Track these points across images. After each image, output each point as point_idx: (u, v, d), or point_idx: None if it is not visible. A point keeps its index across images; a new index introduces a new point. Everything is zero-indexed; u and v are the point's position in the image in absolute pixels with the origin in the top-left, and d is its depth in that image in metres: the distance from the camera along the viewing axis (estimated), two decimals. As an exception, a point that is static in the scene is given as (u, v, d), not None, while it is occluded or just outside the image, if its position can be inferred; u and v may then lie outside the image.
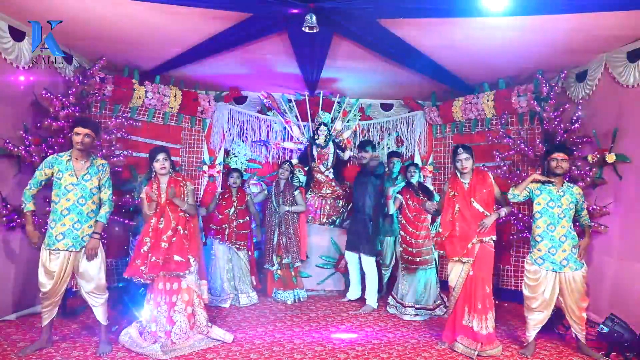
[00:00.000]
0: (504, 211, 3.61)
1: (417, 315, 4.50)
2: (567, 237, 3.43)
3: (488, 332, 3.49)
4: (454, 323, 3.61)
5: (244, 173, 5.76)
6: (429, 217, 4.65)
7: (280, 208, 5.08)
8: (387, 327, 4.23)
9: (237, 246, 4.92)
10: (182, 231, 3.49)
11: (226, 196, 5.01)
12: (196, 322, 3.58)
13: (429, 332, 4.08)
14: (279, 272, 5.10)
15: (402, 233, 4.71)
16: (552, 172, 3.48)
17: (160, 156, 3.51)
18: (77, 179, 3.22)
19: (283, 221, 5.07)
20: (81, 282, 3.32)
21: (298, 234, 5.11)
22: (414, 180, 4.80)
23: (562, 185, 3.51)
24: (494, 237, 3.59)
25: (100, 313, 3.39)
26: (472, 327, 3.49)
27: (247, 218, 5.05)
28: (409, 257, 4.60)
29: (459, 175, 3.66)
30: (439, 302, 4.61)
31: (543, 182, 3.52)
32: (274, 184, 5.27)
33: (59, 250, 3.17)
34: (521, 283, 3.74)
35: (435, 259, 4.67)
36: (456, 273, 3.60)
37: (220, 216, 4.92)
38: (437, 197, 4.69)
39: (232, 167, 6.11)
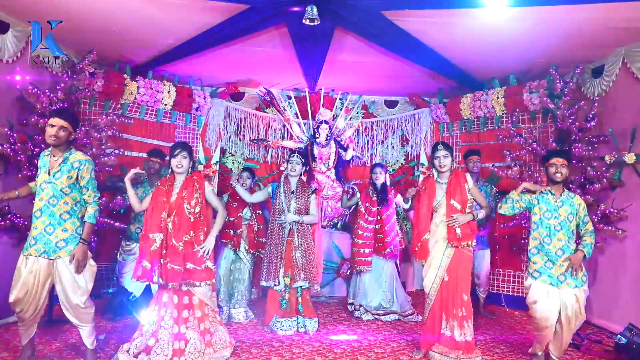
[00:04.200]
0: (482, 213, 3.41)
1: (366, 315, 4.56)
2: (564, 251, 3.19)
3: (466, 340, 3.36)
4: (431, 331, 3.47)
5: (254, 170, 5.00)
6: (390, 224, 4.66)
7: (286, 216, 4.02)
8: (369, 331, 4.21)
9: (259, 255, 4.45)
10: (195, 235, 3.23)
11: (237, 197, 4.38)
12: (213, 340, 3.30)
13: (411, 336, 4.06)
14: (286, 296, 4.07)
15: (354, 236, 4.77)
16: (551, 179, 3.27)
17: (179, 153, 3.26)
18: (49, 176, 2.91)
19: (297, 230, 4.06)
20: (60, 300, 2.99)
21: (314, 248, 4.11)
22: (379, 183, 4.66)
23: (561, 195, 3.27)
24: (472, 243, 3.40)
25: (85, 334, 3.10)
26: (453, 335, 3.36)
27: (263, 225, 4.55)
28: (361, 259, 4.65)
29: (435, 175, 3.51)
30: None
31: (534, 192, 3.27)
32: (282, 180, 4.21)
33: (31, 255, 2.87)
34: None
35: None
36: (430, 278, 3.45)
37: (231, 219, 4.43)
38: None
39: (229, 166, 5.95)
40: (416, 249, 3.46)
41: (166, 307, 3.19)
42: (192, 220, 3.24)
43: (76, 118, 3.07)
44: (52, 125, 2.90)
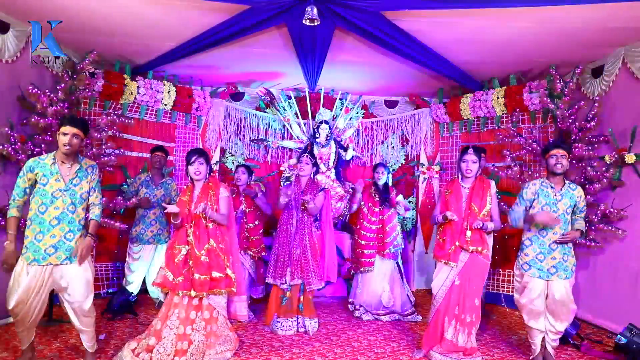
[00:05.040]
0: (491, 225, 3.34)
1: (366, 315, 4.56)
2: (558, 244, 3.22)
3: (471, 345, 3.35)
4: (434, 333, 3.45)
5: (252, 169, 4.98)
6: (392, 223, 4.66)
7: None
8: (369, 331, 4.20)
9: (250, 254, 4.48)
10: (215, 244, 3.23)
11: (233, 196, 4.33)
12: (217, 342, 3.29)
13: (411, 336, 4.06)
14: (288, 293, 4.08)
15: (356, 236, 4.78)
16: (552, 170, 3.27)
17: (196, 159, 3.23)
18: (65, 184, 2.91)
19: (299, 229, 4.07)
20: (68, 304, 2.99)
21: (317, 247, 4.10)
22: (381, 182, 4.65)
23: (562, 188, 3.27)
24: (482, 250, 3.32)
25: (86, 338, 3.09)
26: (454, 340, 3.34)
27: (257, 222, 4.58)
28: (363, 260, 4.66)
29: (460, 177, 3.48)
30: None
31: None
32: (294, 180, 4.31)
33: (51, 264, 2.85)
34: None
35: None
36: (440, 280, 3.43)
37: None
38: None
39: (229, 166, 5.95)
40: (450, 252, 3.35)
41: (175, 307, 3.20)
42: (210, 227, 3.24)
43: (87, 124, 3.06)
44: (65, 134, 2.88)
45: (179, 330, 3.16)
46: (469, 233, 3.30)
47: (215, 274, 3.19)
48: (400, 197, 4.75)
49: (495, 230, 3.43)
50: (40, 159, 2.95)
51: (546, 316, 3.34)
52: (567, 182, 3.31)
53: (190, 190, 3.30)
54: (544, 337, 3.40)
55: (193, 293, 3.16)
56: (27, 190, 2.93)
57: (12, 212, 2.90)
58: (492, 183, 3.43)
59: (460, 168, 3.44)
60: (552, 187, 3.28)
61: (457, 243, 3.34)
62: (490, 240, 3.47)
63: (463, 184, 3.44)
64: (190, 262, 3.19)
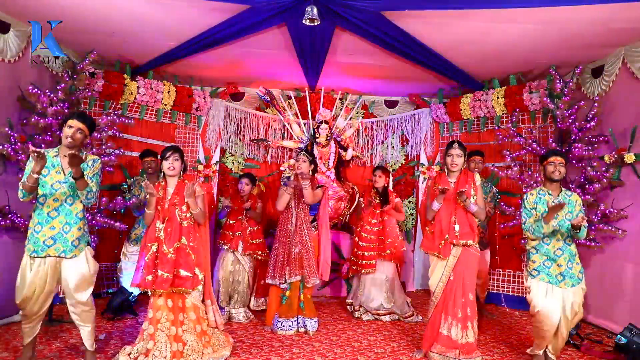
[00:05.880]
0: (474, 206, 3.34)
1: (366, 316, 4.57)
2: (563, 251, 3.21)
3: (467, 341, 3.33)
4: (432, 330, 3.46)
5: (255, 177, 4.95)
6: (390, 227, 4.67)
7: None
8: (369, 331, 4.21)
9: (256, 257, 4.50)
10: (186, 242, 3.21)
11: (238, 201, 4.57)
12: (212, 341, 3.30)
13: (411, 336, 4.05)
14: (287, 292, 4.10)
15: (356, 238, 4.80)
16: (549, 177, 3.29)
17: (170, 155, 3.22)
18: (65, 176, 2.94)
19: (298, 228, 4.11)
20: (67, 297, 3.02)
21: (314, 245, 4.14)
22: (379, 186, 4.67)
23: (559, 195, 3.28)
24: (471, 243, 3.34)
25: (86, 335, 3.10)
26: (450, 335, 3.34)
27: (258, 226, 4.62)
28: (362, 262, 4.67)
29: (446, 172, 3.51)
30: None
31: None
32: (291, 180, 4.34)
33: (50, 256, 2.89)
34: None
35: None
36: (436, 277, 3.44)
37: (231, 222, 4.53)
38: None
39: (229, 166, 5.95)
40: (440, 246, 3.37)
41: (162, 310, 3.19)
42: (184, 225, 3.22)
43: (93, 123, 3.08)
44: (70, 127, 2.92)
45: (170, 331, 3.16)
46: (457, 227, 3.34)
47: (182, 273, 3.16)
48: (397, 200, 4.75)
49: (478, 218, 3.42)
50: (46, 151, 2.99)
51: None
52: (563, 189, 3.34)
53: (164, 188, 3.26)
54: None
55: (150, 291, 3.13)
56: None
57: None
58: (476, 175, 3.47)
59: (446, 162, 3.48)
60: (549, 194, 3.29)
61: (446, 237, 3.36)
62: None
63: (449, 179, 3.47)
64: (157, 261, 3.16)
